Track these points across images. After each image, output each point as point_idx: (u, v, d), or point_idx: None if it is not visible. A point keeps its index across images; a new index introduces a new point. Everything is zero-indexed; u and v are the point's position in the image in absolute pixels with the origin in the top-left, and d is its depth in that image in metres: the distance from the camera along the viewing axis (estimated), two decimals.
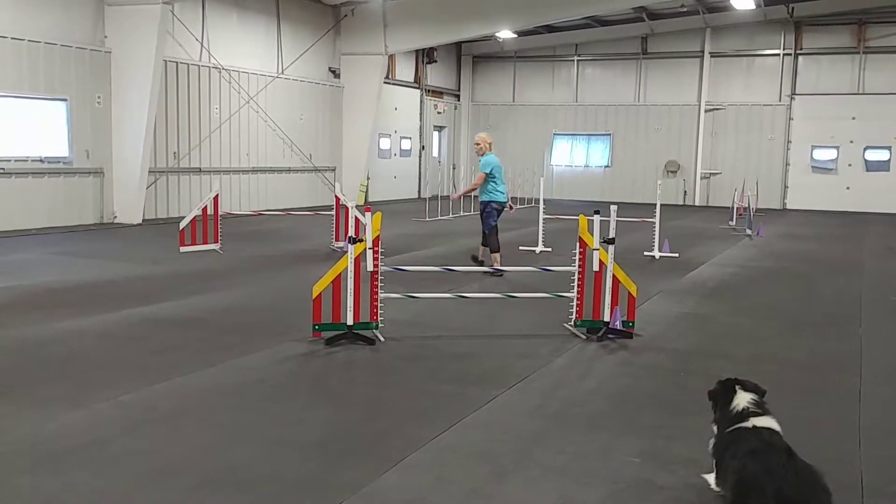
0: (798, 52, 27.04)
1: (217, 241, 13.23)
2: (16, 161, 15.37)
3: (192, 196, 18.84)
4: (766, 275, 12.40)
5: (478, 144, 11.77)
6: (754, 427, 3.99)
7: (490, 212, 11.52)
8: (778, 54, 27.26)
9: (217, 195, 13.36)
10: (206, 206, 13.22)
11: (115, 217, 17.17)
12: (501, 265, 10.99)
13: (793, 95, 27.14)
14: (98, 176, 16.94)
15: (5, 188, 15.20)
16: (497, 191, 11.53)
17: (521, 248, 14.45)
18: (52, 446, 4.68)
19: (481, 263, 11.57)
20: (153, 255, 12.63)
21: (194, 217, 13.09)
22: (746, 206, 19.10)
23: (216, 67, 19.76)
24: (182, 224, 13.03)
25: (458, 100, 31.59)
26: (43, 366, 6.42)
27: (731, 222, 20.16)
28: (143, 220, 17.33)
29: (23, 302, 8.84)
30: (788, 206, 27.19)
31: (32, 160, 15.71)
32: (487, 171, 11.41)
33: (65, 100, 16.13)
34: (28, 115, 15.60)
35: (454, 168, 31.04)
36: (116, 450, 4.67)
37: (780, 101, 27.32)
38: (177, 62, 18.64)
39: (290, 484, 4.29)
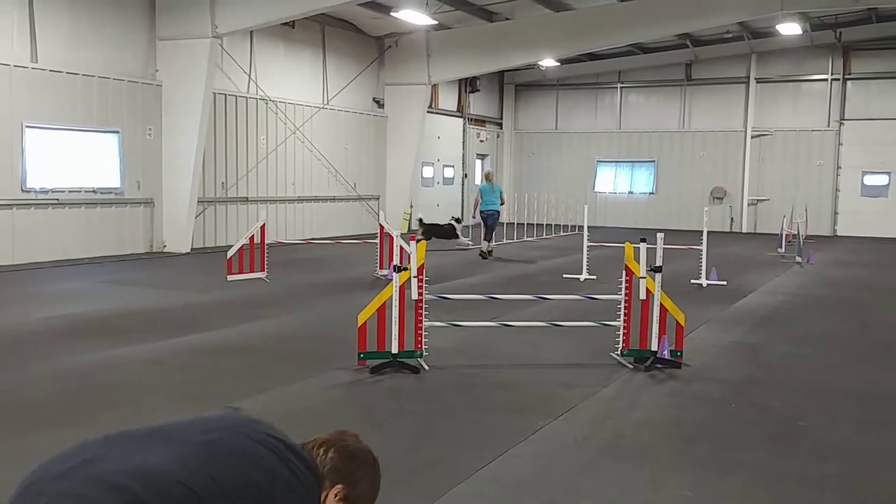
0: (846, 76, 26.66)
1: (264, 270, 13.38)
2: (69, 192, 15.77)
3: (239, 225, 19.11)
4: (817, 303, 12.14)
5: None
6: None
7: (483, 217, 17.92)
8: (826, 79, 26.90)
9: (264, 224, 13.52)
10: (253, 235, 13.39)
11: (165, 246, 17.49)
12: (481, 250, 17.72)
13: (842, 120, 26.71)
14: (148, 206, 17.30)
15: (60, 218, 15.59)
16: (485, 205, 17.97)
17: (565, 275, 14.36)
18: None
19: (490, 253, 17.58)
20: (201, 284, 12.82)
21: (241, 246, 13.26)
22: (796, 232, 18.77)
23: (263, 99, 20.12)
24: (230, 253, 13.20)
25: (501, 128, 31.71)
26: (96, 393, 6.53)
27: (779, 249, 19.82)
28: (192, 249, 17.62)
29: (76, 330, 9.02)
30: (839, 233, 26.66)
31: (85, 191, 16.10)
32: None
33: (117, 132, 16.55)
34: (81, 147, 16.01)
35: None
36: None
37: (828, 126, 26.90)
38: (225, 94, 19.03)
39: None
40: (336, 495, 2.49)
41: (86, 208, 16.09)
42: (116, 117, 16.51)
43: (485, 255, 17.46)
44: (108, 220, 16.52)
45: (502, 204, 18.27)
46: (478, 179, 30.63)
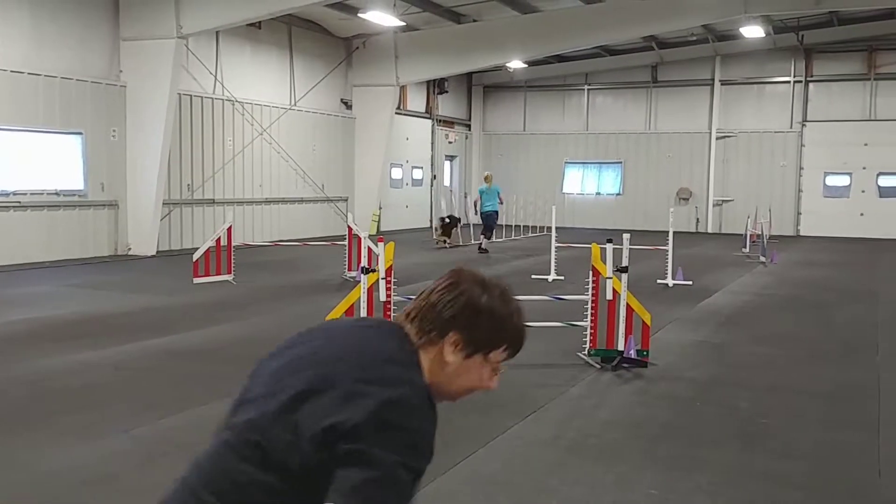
0: (809, 79, 27.08)
1: (230, 272, 13.27)
2: (32, 194, 15.51)
3: (205, 227, 18.93)
4: (781, 303, 12.32)
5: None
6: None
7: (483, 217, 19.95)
8: (788, 81, 27.30)
9: (230, 226, 13.42)
10: (219, 237, 13.27)
11: (130, 249, 17.27)
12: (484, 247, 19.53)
13: (804, 122, 27.13)
14: (113, 208, 17.07)
15: (22, 221, 15.33)
16: (483, 206, 19.92)
17: (533, 276, 14.42)
18: (69, 478, 4.68)
19: (484, 250, 19.27)
20: (167, 287, 12.69)
21: (208, 248, 13.15)
22: (760, 232, 19.03)
23: (230, 100, 19.96)
24: (196, 255, 13.08)
25: (469, 129, 31.75)
26: (59, 398, 6.43)
27: (744, 249, 20.08)
28: (157, 252, 17.42)
29: (39, 334, 8.88)
30: (802, 233, 27.06)
31: (48, 193, 15.85)
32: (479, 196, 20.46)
33: (80, 133, 16.32)
34: (44, 149, 15.77)
35: (466, 196, 31.05)
36: (131, 483, 4.66)
37: (791, 127, 27.31)
38: (191, 95, 18.85)
39: None
40: (455, 346, 1.94)
41: (48, 211, 15.85)
42: (80, 119, 16.28)
43: (483, 250, 19.29)
44: (71, 222, 16.28)
45: (501, 203, 20.20)
46: (447, 181, 30.74)
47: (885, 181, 26.22)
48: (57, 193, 16.02)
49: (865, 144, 26.23)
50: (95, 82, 16.58)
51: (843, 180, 26.74)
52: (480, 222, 20.21)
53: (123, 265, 15.81)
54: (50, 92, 15.71)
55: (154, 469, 4.88)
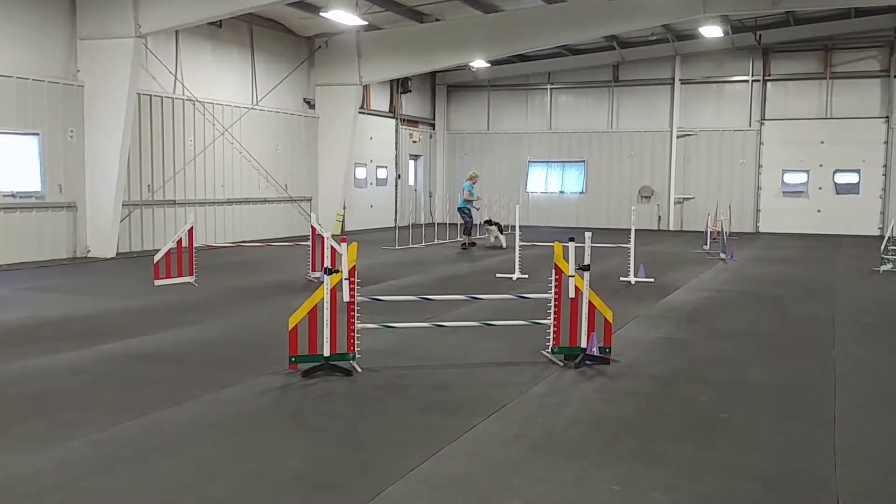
0: (766, 78, 27.52)
1: (192, 274, 13.14)
2: None
3: (166, 229, 18.74)
4: (740, 298, 12.50)
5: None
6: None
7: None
8: (747, 80, 27.72)
9: (192, 227, 13.29)
10: (180, 239, 13.14)
11: (89, 251, 17.02)
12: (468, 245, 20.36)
13: (762, 120, 27.57)
14: (71, 210, 16.81)
15: None
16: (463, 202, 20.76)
17: (498, 275, 14.47)
18: (25, 487, 4.60)
19: (472, 245, 20.31)
20: (127, 290, 12.52)
21: (169, 250, 13.01)
22: (720, 230, 19.29)
23: (190, 100, 19.75)
24: (156, 257, 12.94)
25: (434, 128, 31.77)
26: (15, 404, 6.32)
27: (704, 246, 20.34)
28: (117, 254, 17.20)
29: None
30: (761, 230, 27.50)
31: (4, 195, 15.56)
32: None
33: (37, 134, 16.04)
34: None
35: (430, 196, 31.13)
36: (90, 489, 4.60)
37: (750, 126, 27.73)
38: (150, 95, 18.62)
39: None
40: None
41: (4, 213, 15.55)
42: (36, 119, 16.00)
43: (465, 245, 20.38)
44: (28, 225, 16.00)
45: (470, 202, 20.53)
46: (412, 180, 30.74)
47: (841, 178, 26.74)
48: (13, 195, 15.73)
49: (822, 142, 26.72)
50: (52, 82, 16.30)
51: (800, 178, 27.22)
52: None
53: (82, 268, 15.57)
54: (5, 92, 15.42)
55: (113, 475, 4.82)
